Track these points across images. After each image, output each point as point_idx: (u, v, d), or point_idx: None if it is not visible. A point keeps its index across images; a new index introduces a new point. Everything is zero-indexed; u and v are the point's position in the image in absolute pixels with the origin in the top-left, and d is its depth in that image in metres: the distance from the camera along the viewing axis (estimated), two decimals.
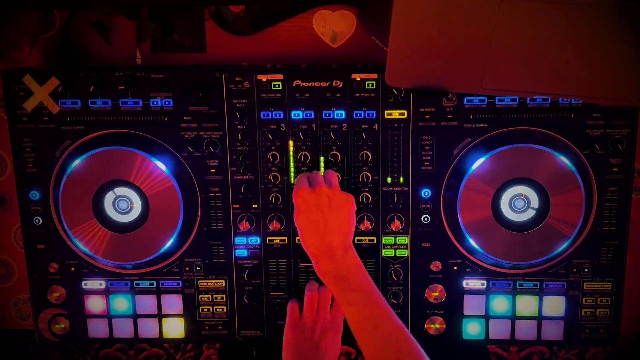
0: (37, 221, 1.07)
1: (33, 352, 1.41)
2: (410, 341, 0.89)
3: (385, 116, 1.03)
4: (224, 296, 1.10)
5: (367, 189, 1.05)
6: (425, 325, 1.10)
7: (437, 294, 1.08)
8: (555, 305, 1.08)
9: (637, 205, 1.10)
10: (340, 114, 1.03)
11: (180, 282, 1.10)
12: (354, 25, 1.10)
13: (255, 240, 1.07)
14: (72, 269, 1.09)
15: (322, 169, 1.05)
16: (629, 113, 1.00)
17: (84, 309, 1.11)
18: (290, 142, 1.04)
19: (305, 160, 1.04)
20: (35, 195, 1.06)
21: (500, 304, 1.08)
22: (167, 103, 1.03)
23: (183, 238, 1.07)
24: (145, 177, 1.03)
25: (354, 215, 0.98)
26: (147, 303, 1.10)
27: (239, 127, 1.04)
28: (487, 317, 1.09)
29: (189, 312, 1.10)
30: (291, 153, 1.04)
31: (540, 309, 1.08)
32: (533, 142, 1.01)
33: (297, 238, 1.06)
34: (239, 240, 1.07)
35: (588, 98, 0.98)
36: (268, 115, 1.03)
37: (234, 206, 1.06)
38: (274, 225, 1.06)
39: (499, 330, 1.09)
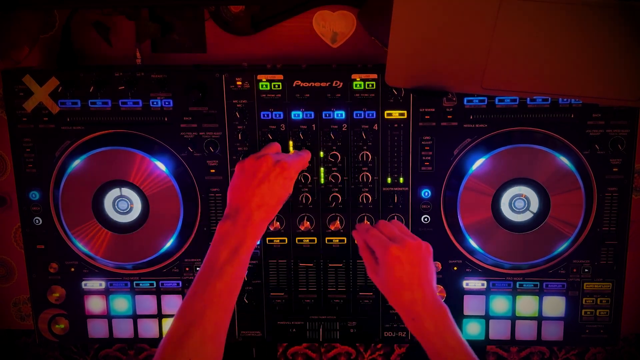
0: (37, 221, 1.07)
1: (33, 352, 1.41)
2: None
3: (385, 116, 1.03)
4: None
5: (367, 190, 1.05)
6: None
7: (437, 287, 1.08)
8: (555, 305, 1.08)
9: (637, 205, 1.10)
10: (340, 114, 1.03)
11: (180, 283, 1.10)
12: (354, 25, 1.10)
13: None
14: (72, 269, 1.09)
15: (322, 174, 1.05)
16: (629, 113, 1.00)
17: (84, 309, 1.11)
18: (290, 143, 1.04)
19: None
20: (35, 195, 1.06)
21: (500, 304, 1.08)
22: (167, 103, 1.03)
23: (183, 238, 1.07)
24: (145, 178, 1.03)
25: (432, 262, 0.95)
26: (147, 303, 1.10)
27: (239, 127, 1.04)
28: (487, 317, 1.09)
29: None
30: (293, 152, 1.04)
31: (540, 309, 1.08)
32: (533, 143, 1.01)
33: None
34: None
35: (588, 98, 0.98)
36: (268, 115, 1.03)
37: None
38: (274, 226, 1.06)
39: (499, 331, 1.09)
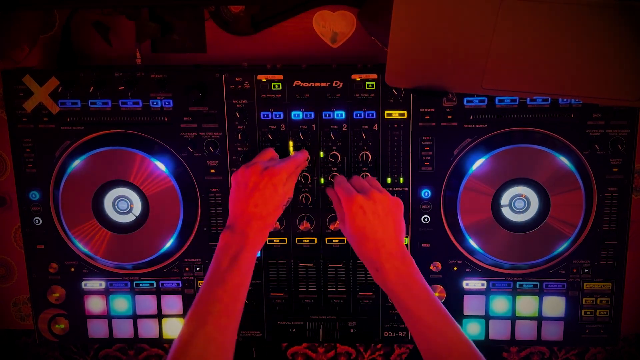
0: (37, 221, 1.07)
1: (33, 352, 1.41)
2: (475, 350, 0.87)
3: (385, 116, 1.03)
4: None
5: None
6: None
7: (437, 294, 1.08)
8: (555, 305, 1.08)
9: (637, 205, 1.10)
10: (340, 114, 1.03)
11: (180, 283, 1.10)
12: (354, 25, 1.10)
13: None
14: (72, 269, 1.09)
15: (323, 179, 1.05)
16: (629, 113, 1.00)
17: (84, 309, 1.11)
18: (290, 143, 1.04)
19: None
20: (35, 195, 1.06)
21: (500, 304, 1.08)
22: (167, 103, 1.03)
23: (183, 238, 1.07)
24: (145, 178, 1.03)
25: (403, 218, 0.97)
26: (147, 303, 1.10)
27: (238, 127, 1.04)
28: (487, 317, 1.09)
29: None
30: (291, 153, 1.04)
31: (540, 309, 1.08)
32: (533, 143, 1.01)
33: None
34: None
35: (588, 98, 0.98)
36: (268, 115, 1.03)
37: None
38: (274, 226, 1.06)
39: (498, 331, 1.09)
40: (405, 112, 1.03)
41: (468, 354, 0.86)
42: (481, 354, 0.86)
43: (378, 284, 0.93)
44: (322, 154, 1.04)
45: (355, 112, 1.03)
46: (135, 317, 1.11)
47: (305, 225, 1.06)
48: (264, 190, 0.93)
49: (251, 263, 0.93)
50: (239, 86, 1.02)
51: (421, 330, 0.89)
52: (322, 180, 1.05)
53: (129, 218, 1.05)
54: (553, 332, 1.09)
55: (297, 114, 1.03)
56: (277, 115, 1.03)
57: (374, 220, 0.92)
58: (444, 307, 0.90)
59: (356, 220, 0.92)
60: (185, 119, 1.03)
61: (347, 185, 0.96)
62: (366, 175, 1.04)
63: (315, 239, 1.07)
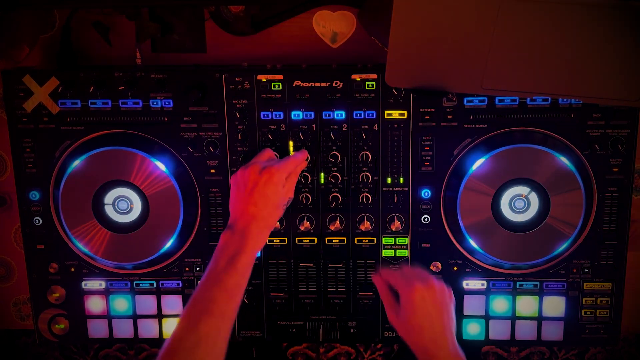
0: (37, 221, 1.07)
1: (33, 352, 1.41)
2: None
3: (385, 116, 1.03)
4: None
5: (367, 190, 1.05)
6: None
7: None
8: (555, 305, 1.08)
9: (637, 205, 1.10)
10: (340, 114, 1.03)
11: (180, 283, 1.10)
12: (354, 25, 1.10)
13: None
14: (72, 269, 1.09)
15: (321, 176, 1.05)
16: (629, 113, 1.00)
17: (84, 309, 1.11)
18: (290, 143, 1.04)
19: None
20: (35, 195, 1.06)
21: (500, 304, 1.08)
22: (167, 103, 1.03)
23: (183, 238, 1.07)
24: (145, 178, 1.03)
25: (453, 310, 0.96)
26: (147, 303, 1.10)
27: (239, 127, 1.04)
28: (487, 317, 1.09)
29: None
30: (291, 153, 1.04)
31: (540, 309, 1.08)
32: (533, 143, 1.01)
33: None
34: None
35: (588, 98, 0.98)
36: (268, 115, 1.03)
37: None
38: (274, 226, 1.06)
39: (499, 331, 1.09)
40: (405, 112, 1.03)
41: None
42: None
43: None
44: (322, 178, 1.05)
45: (355, 112, 1.03)
46: (135, 317, 1.11)
47: (305, 225, 1.06)
48: (264, 190, 0.93)
49: (249, 264, 0.92)
50: (239, 86, 1.02)
51: None
52: (322, 180, 1.05)
53: (129, 218, 1.05)
54: (553, 332, 1.09)
55: (297, 114, 1.03)
56: (277, 115, 1.03)
57: (434, 312, 0.91)
58: None
59: (418, 310, 0.91)
60: (185, 119, 1.03)
61: (400, 273, 0.95)
62: (367, 174, 1.04)
63: (315, 239, 1.07)
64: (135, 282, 1.10)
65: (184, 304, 1.10)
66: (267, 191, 0.93)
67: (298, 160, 1.00)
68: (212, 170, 1.05)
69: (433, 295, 0.92)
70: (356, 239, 1.07)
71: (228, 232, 0.93)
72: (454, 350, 0.91)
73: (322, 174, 1.05)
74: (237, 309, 0.90)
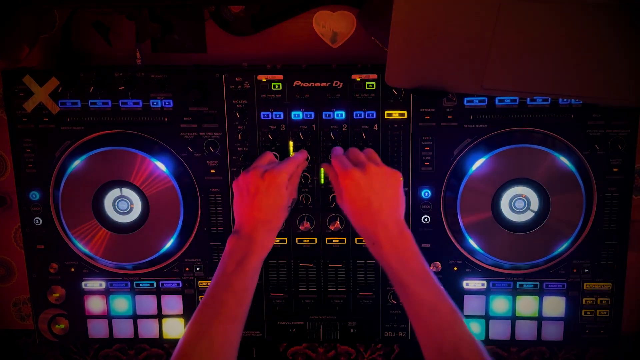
0: (37, 221, 1.07)
1: (33, 352, 1.41)
2: (467, 329, 0.85)
3: (385, 117, 1.03)
4: None
5: None
6: None
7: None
8: (555, 305, 1.08)
9: (637, 205, 1.10)
10: (340, 114, 1.03)
11: (180, 283, 1.10)
12: (354, 25, 1.10)
13: None
14: (72, 269, 1.09)
15: (322, 174, 1.05)
16: (629, 113, 1.00)
17: (84, 310, 1.11)
18: (290, 143, 1.04)
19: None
20: (35, 195, 1.06)
21: (500, 304, 1.08)
22: (167, 103, 1.03)
23: (183, 238, 1.07)
24: (145, 178, 1.03)
25: (402, 191, 0.95)
26: (147, 303, 1.10)
27: (239, 127, 1.04)
28: (487, 317, 1.09)
29: (189, 312, 1.10)
30: (291, 154, 1.04)
31: (541, 309, 1.08)
32: (533, 143, 1.01)
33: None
34: None
35: (588, 98, 0.98)
36: (268, 115, 1.03)
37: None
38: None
39: (499, 331, 1.09)
40: (405, 112, 1.03)
41: (460, 333, 0.84)
42: (472, 332, 0.85)
43: (375, 258, 0.92)
44: (322, 178, 1.05)
45: (355, 112, 1.03)
46: (135, 317, 1.11)
47: (305, 225, 1.06)
48: (267, 194, 0.93)
49: (258, 267, 0.93)
50: (239, 86, 1.02)
51: (415, 307, 0.88)
52: (322, 181, 1.05)
53: (129, 218, 1.05)
54: (553, 332, 1.09)
55: (297, 114, 1.03)
56: (277, 115, 1.03)
57: (370, 194, 0.91)
58: (440, 284, 0.89)
59: (352, 194, 0.92)
60: (185, 119, 1.03)
61: (343, 159, 0.95)
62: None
63: (315, 239, 1.07)
64: (135, 282, 1.10)
65: (184, 304, 1.10)
66: (270, 195, 0.94)
67: (298, 160, 1.00)
68: (212, 171, 1.05)
69: (368, 179, 0.91)
70: (356, 239, 1.07)
71: (235, 237, 0.94)
72: (395, 228, 0.91)
73: (322, 174, 1.05)
74: (247, 311, 0.90)
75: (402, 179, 0.95)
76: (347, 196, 0.92)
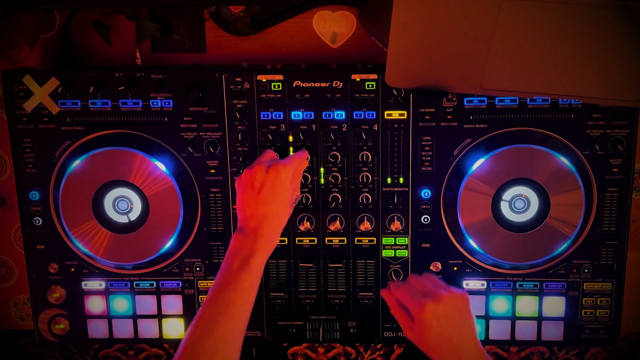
0: (37, 221, 1.07)
1: (33, 352, 1.41)
2: None
3: (385, 117, 1.03)
4: None
5: (367, 190, 1.05)
6: None
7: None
8: (555, 305, 1.08)
9: (637, 205, 1.10)
10: (340, 114, 1.03)
11: (180, 283, 1.10)
12: (354, 25, 1.10)
13: None
14: (72, 269, 1.09)
15: (322, 174, 1.05)
16: (629, 113, 1.00)
17: (84, 310, 1.11)
18: (290, 141, 1.04)
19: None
20: (35, 195, 1.06)
21: (500, 304, 1.08)
22: (167, 103, 1.03)
23: (183, 238, 1.07)
24: (145, 178, 1.03)
25: (472, 312, 0.93)
26: (147, 303, 1.10)
27: (238, 127, 1.04)
28: (487, 317, 1.09)
29: (189, 312, 1.10)
30: (291, 154, 1.04)
31: (540, 309, 1.08)
32: (533, 143, 1.01)
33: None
34: None
35: (588, 98, 0.98)
36: (268, 115, 1.03)
37: (233, 207, 1.06)
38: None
39: (499, 331, 1.09)
40: (405, 112, 1.03)
41: None
42: None
43: None
44: (322, 178, 1.05)
45: (355, 112, 1.03)
46: (135, 317, 1.11)
47: (305, 225, 1.06)
48: (272, 188, 0.93)
49: (262, 264, 0.92)
50: (239, 86, 1.02)
51: None
52: (322, 181, 1.05)
53: (129, 218, 1.05)
54: (553, 332, 1.09)
55: (297, 114, 1.03)
56: (277, 116, 1.03)
57: (448, 324, 0.88)
58: None
59: (431, 328, 0.88)
60: (185, 119, 1.03)
61: (408, 289, 0.93)
62: (367, 174, 1.04)
63: (315, 239, 1.07)
64: (135, 282, 1.10)
65: (184, 304, 1.10)
66: (276, 188, 0.93)
67: (300, 158, 1.01)
68: (212, 171, 1.05)
69: (444, 308, 0.88)
70: (356, 239, 1.07)
71: (239, 234, 0.93)
72: (478, 354, 0.89)
73: (322, 174, 1.05)
74: (251, 309, 0.90)
75: (469, 299, 0.92)
76: (425, 330, 0.88)
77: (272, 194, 0.93)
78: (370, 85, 1.01)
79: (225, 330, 0.85)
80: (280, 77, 1.02)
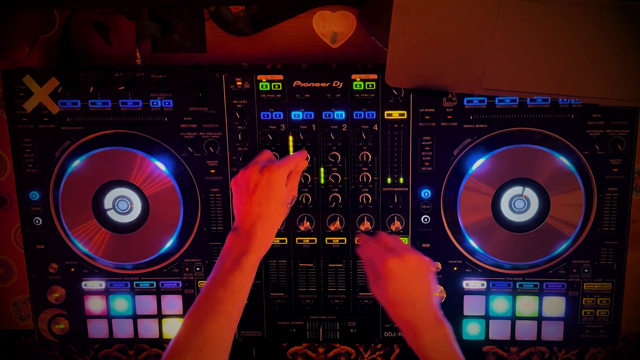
0: (37, 221, 1.07)
1: (33, 352, 1.41)
2: None
3: (385, 117, 1.03)
4: None
5: (367, 190, 1.05)
6: None
7: (436, 294, 1.08)
8: (555, 305, 1.08)
9: (637, 205, 1.10)
10: (340, 114, 1.03)
11: (180, 283, 1.10)
12: (354, 25, 1.10)
13: None
14: (72, 269, 1.09)
15: (322, 174, 1.05)
16: (629, 113, 1.00)
17: (84, 310, 1.11)
18: (290, 143, 1.04)
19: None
20: (35, 195, 1.06)
21: (500, 304, 1.08)
22: (167, 103, 1.03)
23: (183, 238, 1.07)
24: (145, 178, 1.03)
25: (432, 277, 0.94)
26: (147, 303, 1.10)
27: (238, 127, 1.04)
28: (487, 317, 1.09)
29: None
30: (291, 153, 1.04)
31: (540, 309, 1.08)
32: (533, 143, 1.01)
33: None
34: None
35: (588, 98, 0.98)
36: (268, 115, 1.03)
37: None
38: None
39: (499, 331, 1.09)
40: (405, 112, 1.03)
41: None
42: None
43: (412, 348, 0.89)
44: (322, 178, 1.05)
45: (355, 112, 1.03)
46: (135, 317, 1.11)
47: (305, 225, 1.06)
48: (266, 189, 0.93)
49: (255, 265, 0.93)
50: (239, 86, 1.02)
51: None
52: (322, 181, 1.05)
53: (129, 218, 1.05)
54: (553, 332, 1.09)
55: (297, 114, 1.03)
56: (277, 115, 1.03)
57: (407, 281, 0.90)
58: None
59: (391, 283, 0.89)
60: (185, 119, 1.03)
61: (375, 244, 0.95)
62: (367, 174, 1.04)
63: (315, 239, 1.07)
64: (135, 282, 1.10)
65: (184, 304, 1.10)
66: (269, 189, 0.94)
67: (298, 158, 1.01)
68: (212, 171, 1.05)
69: (405, 266, 0.90)
70: (356, 239, 1.07)
71: (233, 233, 0.94)
72: (434, 318, 0.90)
73: (322, 174, 1.05)
74: (242, 309, 0.90)
75: (430, 266, 0.94)
76: (385, 284, 0.90)
77: (266, 195, 0.94)
78: (370, 85, 1.01)
79: (213, 328, 0.85)
80: (280, 77, 1.02)
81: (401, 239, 1.06)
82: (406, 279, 0.90)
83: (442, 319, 0.90)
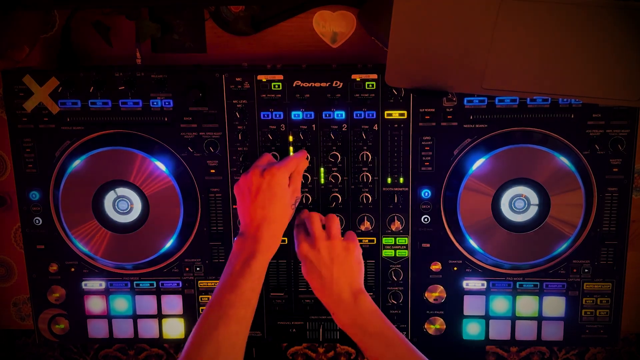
0: (37, 221, 1.07)
1: (33, 352, 1.41)
2: None
3: (385, 116, 1.03)
4: None
5: (367, 190, 1.05)
6: (425, 326, 1.10)
7: (437, 294, 1.08)
8: (555, 305, 1.08)
9: (637, 205, 1.10)
10: (340, 114, 1.03)
11: (180, 283, 1.10)
12: (354, 25, 1.10)
13: None
14: (72, 269, 1.09)
15: (322, 174, 1.05)
16: (629, 113, 1.00)
17: (84, 309, 1.11)
18: (290, 140, 1.04)
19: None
20: (35, 195, 1.06)
21: (500, 304, 1.08)
22: (167, 103, 1.03)
23: (183, 238, 1.07)
24: (145, 178, 1.03)
25: (359, 259, 0.99)
26: (147, 303, 1.10)
27: (239, 127, 1.04)
28: (487, 317, 1.09)
29: (189, 312, 1.10)
30: (291, 154, 1.04)
31: (541, 309, 1.08)
32: (533, 143, 1.01)
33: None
34: None
35: (588, 98, 0.98)
36: (268, 115, 1.03)
37: (234, 206, 1.06)
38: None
39: (499, 331, 1.09)
40: (405, 112, 1.03)
41: None
42: None
43: (339, 327, 0.97)
44: (322, 178, 1.05)
45: (355, 112, 1.03)
46: (135, 317, 1.11)
47: None
48: (268, 191, 0.94)
49: (264, 267, 0.94)
50: (239, 86, 1.02)
51: None
52: (322, 181, 1.05)
53: (129, 218, 1.05)
54: (553, 332, 1.09)
55: (297, 114, 1.03)
56: (277, 115, 1.03)
57: (320, 267, 0.95)
58: (408, 342, 0.92)
59: (306, 268, 0.97)
60: (185, 119, 1.03)
61: (300, 230, 1.00)
62: (367, 174, 1.04)
63: None
64: (135, 282, 1.10)
65: (184, 304, 1.10)
66: (272, 192, 0.94)
67: (298, 159, 1.01)
68: (212, 171, 1.05)
69: (316, 254, 0.95)
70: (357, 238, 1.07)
71: (240, 238, 0.95)
72: (352, 297, 0.94)
73: (322, 174, 1.05)
74: (253, 312, 0.91)
75: (356, 248, 0.99)
76: (303, 268, 0.98)
77: (269, 197, 0.94)
78: (370, 85, 1.01)
79: (226, 333, 0.85)
80: (280, 77, 1.02)
81: (400, 238, 1.06)
82: (317, 265, 0.95)
83: (359, 293, 0.95)
